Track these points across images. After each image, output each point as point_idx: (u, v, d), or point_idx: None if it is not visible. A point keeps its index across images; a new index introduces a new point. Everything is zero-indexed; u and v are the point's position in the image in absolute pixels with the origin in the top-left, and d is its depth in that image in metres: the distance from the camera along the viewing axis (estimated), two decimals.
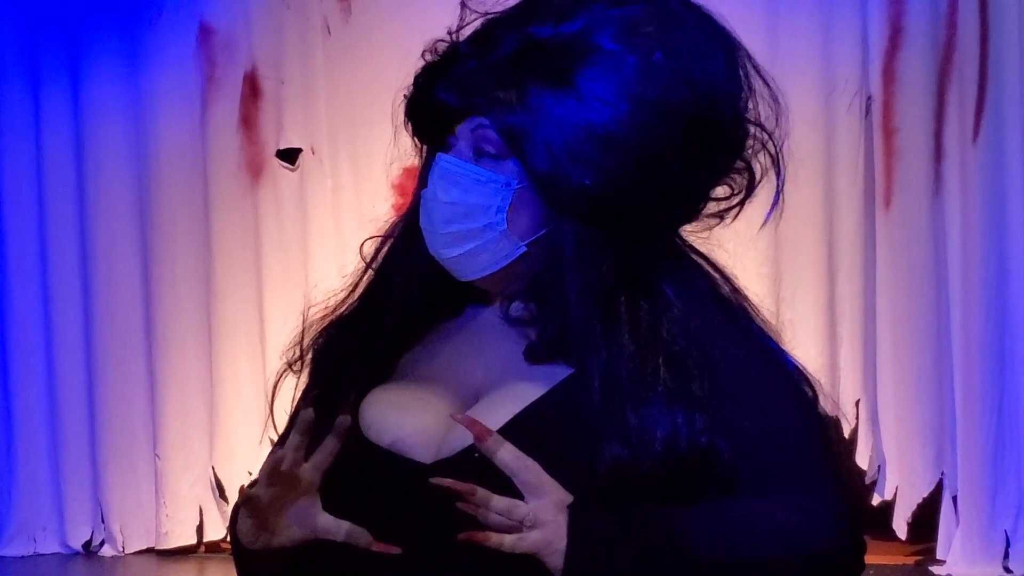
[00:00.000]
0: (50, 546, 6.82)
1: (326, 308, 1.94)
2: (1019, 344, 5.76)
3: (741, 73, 1.84)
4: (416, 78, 1.88)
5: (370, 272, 1.93)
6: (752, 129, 1.86)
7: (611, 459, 1.73)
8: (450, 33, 1.87)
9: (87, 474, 6.80)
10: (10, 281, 6.84)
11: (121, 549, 6.76)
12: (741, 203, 1.89)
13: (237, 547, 1.87)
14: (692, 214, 1.87)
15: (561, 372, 1.80)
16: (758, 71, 1.85)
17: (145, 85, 6.68)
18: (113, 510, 6.77)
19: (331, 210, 6.49)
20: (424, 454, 1.80)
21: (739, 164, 1.87)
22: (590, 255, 1.79)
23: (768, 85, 1.86)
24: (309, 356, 1.94)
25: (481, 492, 1.68)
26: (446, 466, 1.77)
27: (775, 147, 1.88)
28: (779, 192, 1.89)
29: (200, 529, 6.67)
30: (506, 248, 1.84)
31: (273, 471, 1.77)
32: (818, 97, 5.99)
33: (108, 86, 6.71)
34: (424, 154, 1.92)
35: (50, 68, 6.76)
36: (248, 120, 6.61)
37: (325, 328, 1.94)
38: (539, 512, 1.69)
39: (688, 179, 1.82)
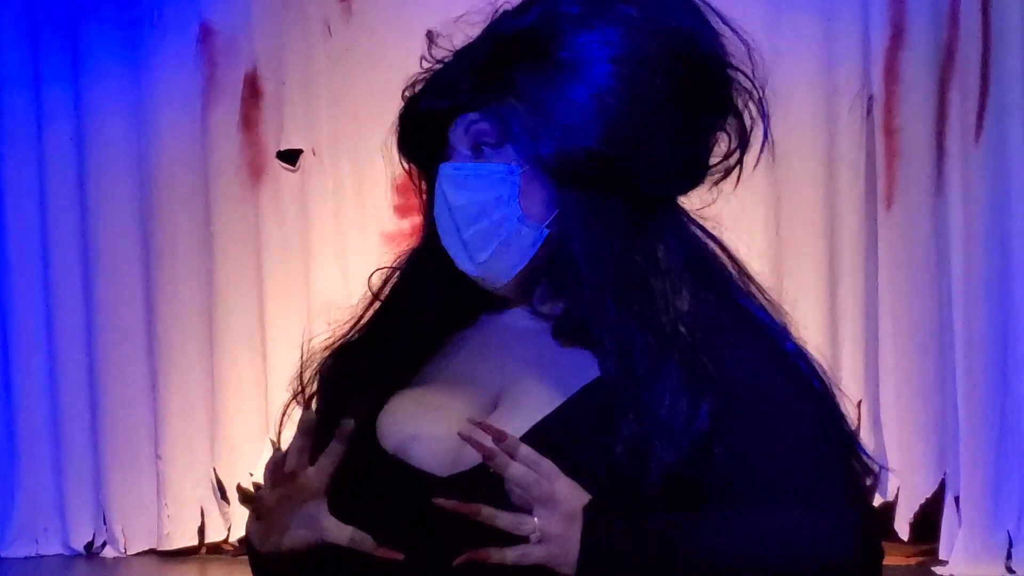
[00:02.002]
0: (52, 547, 6.82)
1: (331, 337, 1.93)
2: (1022, 344, 5.75)
3: (710, 19, 1.84)
4: (403, 115, 1.88)
5: (378, 303, 1.92)
6: (734, 75, 1.85)
7: (629, 437, 1.72)
8: (427, 64, 1.87)
9: (89, 475, 6.79)
10: (11, 282, 6.83)
11: (123, 550, 6.76)
12: (741, 153, 1.86)
13: (251, 550, 1.86)
14: (697, 172, 1.86)
15: (580, 377, 1.79)
16: (724, 20, 1.85)
17: (146, 86, 6.67)
18: (115, 511, 6.77)
19: (332, 211, 6.49)
20: (440, 466, 1.79)
21: (729, 114, 1.85)
22: (596, 222, 1.79)
23: (736, 32, 1.85)
24: (316, 380, 1.93)
25: (486, 511, 1.67)
26: (461, 480, 1.76)
27: (757, 90, 1.85)
28: (767, 130, 1.87)
29: (202, 530, 6.66)
30: (529, 236, 1.82)
31: (275, 472, 1.77)
32: (819, 97, 5.99)
33: (109, 87, 6.71)
34: (423, 186, 1.91)
35: (51, 69, 6.76)
36: (249, 121, 6.61)
37: (333, 352, 1.93)
38: (547, 526, 1.68)
39: (683, 128, 1.82)
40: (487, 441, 1.70)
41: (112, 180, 6.74)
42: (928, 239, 5.87)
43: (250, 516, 1.82)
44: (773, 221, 5.92)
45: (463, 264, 1.84)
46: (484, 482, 1.73)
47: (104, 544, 6.81)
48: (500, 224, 1.82)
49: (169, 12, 6.64)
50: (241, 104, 6.60)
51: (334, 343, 1.93)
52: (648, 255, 1.80)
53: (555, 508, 1.68)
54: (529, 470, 1.68)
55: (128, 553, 6.76)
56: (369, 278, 1.94)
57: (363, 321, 1.93)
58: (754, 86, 1.85)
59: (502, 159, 1.82)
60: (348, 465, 1.81)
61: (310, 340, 1.94)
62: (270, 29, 6.58)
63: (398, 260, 1.94)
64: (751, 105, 1.86)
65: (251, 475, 6.34)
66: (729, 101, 1.85)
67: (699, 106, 1.83)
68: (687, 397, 1.73)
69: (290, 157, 6.60)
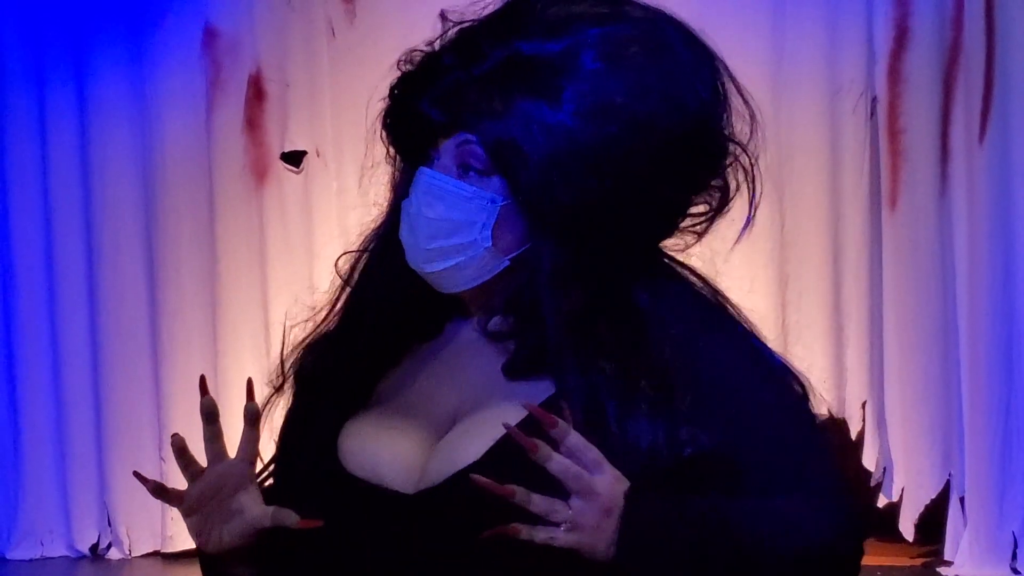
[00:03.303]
0: (57, 549, 6.82)
1: (307, 326, 1.92)
2: None
3: (722, 92, 1.83)
4: (394, 89, 1.86)
5: (348, 288, 1.91)
6: (730, 147, 1.85)
7: None
8: (430, 44, 1.86)
9: (93, 477, 6.80)
10: (16, 283, 6.84)
11: (127, 552, 6.77)
12: (712, 219, 1.87)
13: (200, 552, 1.84)
14: (671, 229, 1.86)
15: (539, 392, 1.78)
16: (739, 89, 1.84)
17: (150, 87, 6.68)
18: (119, 513, 6.77)
19: (336, 213, 6.49)
20: (405, 483, 1.78)
21: (716, 181, 1.85)
22: (567, 277, 1.78)
23: (747, 103, 1.85)
24: (292, 376, 1.92)
25: (520, 493, 1.66)
26: (429, 495, 1.75)
27: (750, 164, 1.85)
28: (752, 209, 1.88)
29: None
30: (490, 263, 1.82)
31: (185, 465, 1.78)
32: (823, 98, 5.99)
33: (113, 88, 6.71)
34: (399, 165, 1.90)
35: (55, 70, 6.76)
36: (253, 122, 6.61)
37: (307, 347, 1.91)
38: (580, 517, 1.67)
39: (669, 196, 1.83)
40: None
41: (116, 181, 6.74)
42: (932, 239, 5.87)
43: (182, 515, 1.81)
44: (778, 222, 5.91)
45: (413, 263, 1.84)
46: (453, 496, 1.72)
47: (109, 546, 6.82)
48: (466, 248, 1.81)
49: (173, 14, 6.64)
50: (245, 106, 6.60)
51: (309, 336, 1.92)
52: (617, 303, 1.79)
53: (593, 500, 1.67)
54: (571, 464, 1.67)
55: (132, 555, 6.76)
56: (336, 262, 1.93)
57: (336, 308, 1.91)
58: (751, 162, 1.85)
59: (487, 187, 1.80)
60: (313, 489, 1.81)
61: (288, 327, 1.94)
62: (274, 31, 6.58)
63: (364, 242, 1.92)
64: (741, 176, 1.86)
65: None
66: (720, 174, 1.85)
67: (690, 179, 1.83)
68: (662, 431, 1.73)
69: (294, 159, 6.60)
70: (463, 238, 1.81)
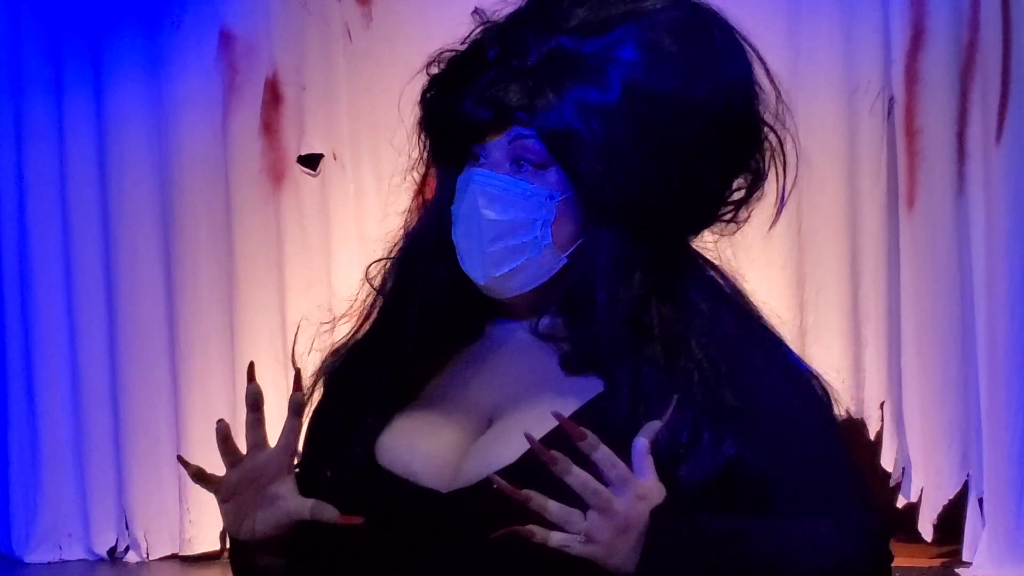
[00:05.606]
0: (76, 552, 6.84)
1: (333, 333, 1.92)
2: None
3: (755, 73, 1.85)
4: (427, 91, 1.85)
5: (381, 296, 1.90)
6: (768, 134, 1.86)
7: None
8: (460, 44, 1.86)
9: (111, 480, 6.81)
10: (34, 287, 6.85)
11: (145, 555, 6.77)
12: (747, 203, 1.88)
13: (232, 539, 1.84)
14: (714, 216, 1.87)
15: (579, 397, 1.78)
16: (769, 74, 1.86)
17: (167, 92, 6.68)
18: (137, 516, 6.78)
19: (353, 215, 6.49)
20: (439, 482, 1.78)
21: (752, 164, 1.86)
22: (623, 264, 1.78)
23: (775, 87, 1.86)
24: (323, 380, 1.92)
25: (537, 498, 1.65)
26: (462, 495, 1.75)
27: (782, 147, 1.87)
28: (784, 190, 1.89)
29: (224, 535, 6.66)
30: (550, 261, 1.82)
31: (227, 451, 1.77)
32: (840, 98, 5.98)
33: (130, 93, 6.72)
34: (434, 168, 1.89)
35: (73, 76, 6.77)
36: (269, 126, 6.61)
37: (340, 352, 1.91)
38: (595, 531, 1.66)
39: (715, 180, 1.83)
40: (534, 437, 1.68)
41: (133, 186, 6.75)
42: (950, 239, 5.86)
43: (218, 501, 1.81)
44: (795, 222, 5.90)
45: (473, 272, 1.83)
46: (487, 497, 1.71)
47: (127, 549, 6.83)
48: (527, 247, 1.80)
49: (190, 18, 6.65)
50: (262, 109, 6.61)
51: (341, 343, 1.92)
52: (666, 290, 1.80)
53: (609, 517, 1.66)
54: (590, 479, 1.66)
55: (150, 558, 6.77)
56: (367, 271, 1.92)
57: (369, 317, 1.91)
58: (781, 146, 1.87)
59: (543, 181, 1.80)
60: (350, 485, 1.81)
61: (312, 334, 1.93)
62: (290, 34, 6.58)
63: (394, 250, 1.91)
64: (774, 161, 1.87)
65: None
66: (757, 155, 1.86)
67: (733, 158, 1.84)
68: (708, 429, 1.73)
69: (311, 162, 6.61)
70: (524, 237, 1.80)
